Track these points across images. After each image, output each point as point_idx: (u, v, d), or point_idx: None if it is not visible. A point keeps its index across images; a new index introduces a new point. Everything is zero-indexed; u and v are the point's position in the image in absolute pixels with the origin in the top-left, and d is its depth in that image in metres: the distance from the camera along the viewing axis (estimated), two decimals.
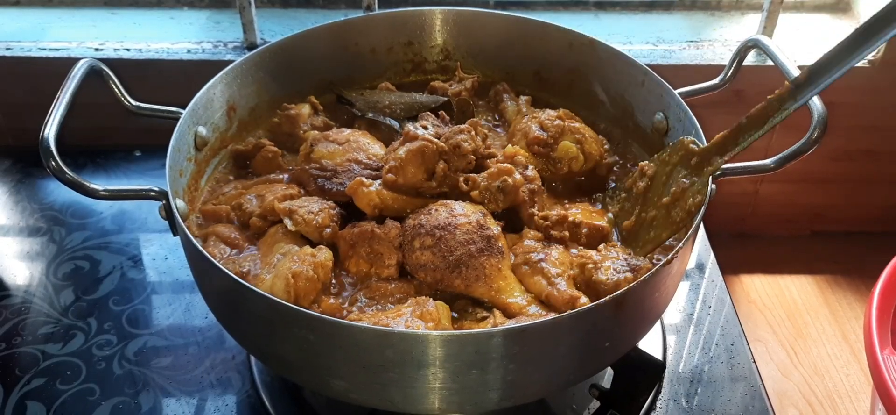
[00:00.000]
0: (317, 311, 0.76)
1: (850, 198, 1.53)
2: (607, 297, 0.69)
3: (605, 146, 0.99)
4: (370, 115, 1.03)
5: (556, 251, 0.82)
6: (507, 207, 0.86)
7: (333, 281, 0.81)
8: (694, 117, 0.88)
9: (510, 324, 0.73)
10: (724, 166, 0.82)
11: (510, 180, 0.85)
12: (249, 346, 0.84)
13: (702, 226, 0.86)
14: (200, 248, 0.74)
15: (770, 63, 1.30)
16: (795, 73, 0.87)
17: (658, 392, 0.96)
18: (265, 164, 0.96)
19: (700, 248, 1.18)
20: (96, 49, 1.33)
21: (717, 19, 1.48)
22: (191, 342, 1.02)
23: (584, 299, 0.75)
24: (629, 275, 0.76)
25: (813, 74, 0.73)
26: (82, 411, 0.93)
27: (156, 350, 1.01)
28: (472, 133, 0.89)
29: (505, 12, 1.11)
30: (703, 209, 0.78)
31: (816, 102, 0.83)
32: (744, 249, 1.53)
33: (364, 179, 0.84)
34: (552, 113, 0.98)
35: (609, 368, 0.95)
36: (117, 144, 1.33)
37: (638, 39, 1.41)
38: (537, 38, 1.08)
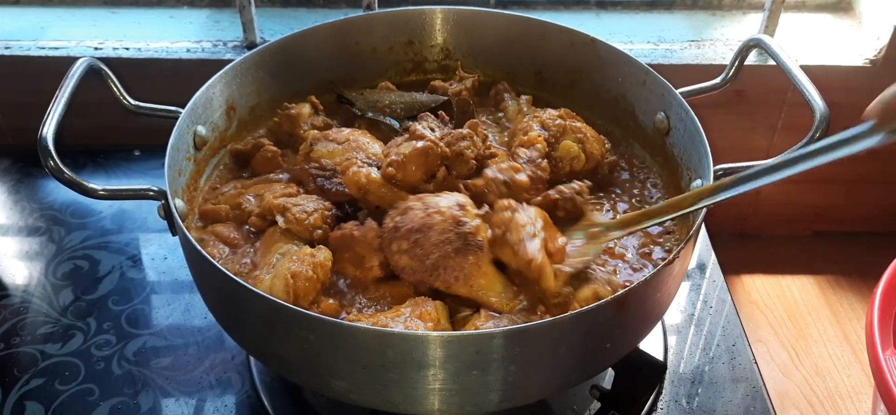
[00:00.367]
0: (316, 311, 0.75)
1: (851, 198, 1.52)
2: (609, 297, 0.68)
3: (607, 146, 0.98)
4: (370, 114, 1.03)
5: (524, 214, 0.78)
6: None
7: (335, 278, 0.81)
8: (695, 117, 0.88)
9: (510, 326, 0.72)
10: (727, 167, 0.82)
11: (518, 177, 0.85)
12: (249, 346, 0.83)
13: (703, 226, 0.86)
14: (199, 248, 0.73)
15: (771, 63, 1.30)
16: (797, 73, 0.87)
17: (659, 393, 0.95)
18: (265, 163, 0.95)
19: (701, 248, 1.17)
20: (96, 48, 1.33)
21: (719, 19, 1.48)
22: (190, 342, 1.02)
23: (541, 261, 0.74)
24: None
25: (740, 181, 0.71)
26: (81, 411, 0.93)
27: (155, 350, 1.01)
28: (474, 138, 0.88)
29: (506, 11, 1.10)
30: (704, 211, 0.77)
31: (819, 103, 0.82)
32: (745, 249, 1.52)
33: (359, 162, 0.84)
34: (553, 112, 0.97)
35: (610, 368, 0.95)
36: (117, 143, 1.33)
37: (639, 39, 1.40)
38: (538, 37, 1.08)
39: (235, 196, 0.90)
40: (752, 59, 1.29)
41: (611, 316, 0.70)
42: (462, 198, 0.80)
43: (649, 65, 0.98)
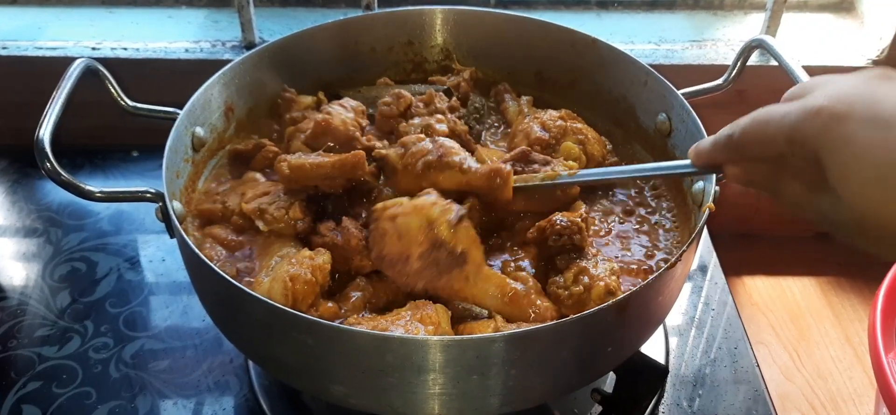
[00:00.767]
0: (315, 314, 0.75)
1: None
2: (611, 301, 0.68)
3: (608, 147, 0.98)
4: (370, 110, 1.02)
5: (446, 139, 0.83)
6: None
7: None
8: (697, 118, 0.87)
9: (512, 329, 0.72)
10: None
11: (438, 127, 0.88)
12: (247, 350, 0.82)
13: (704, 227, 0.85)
14: (197, 251, 0.73)
15: (773, 63, 1.30)
16: (800, 74, 0.86)
17: (660, 396, 0.95)
18: (265, 163, 0.94)
19: (702, 249, 1.17)
20: (93, 48, 1.32)
21: (720, 19, 1.47)
22: (188, 345, 1.01)
23: (497, 163, 0.79)
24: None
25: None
26: None
27: (153, 353, 1.00)
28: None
29: (506, 11, 1.10)
30: (707, 213, 0.77)
31: None
32: (746, 251, 1.52)
33: (283, 156, 0.85)
34: (554, 113, 0.97)
35: (611, 372, 0.94)
36: (115, 143, 1.32)
37: (640, 39, 1.40)
38: (539, 37, 1.07)
39: (224, 195, 0.89)
40: (753, 59, 1.28)
41: (612, 319, 0.69)
42: (433, 211, 0.75)
43: (650, 65, 0.97)
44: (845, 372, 1.31)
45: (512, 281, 0.77)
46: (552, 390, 0.77)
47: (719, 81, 0.98)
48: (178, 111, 0.88)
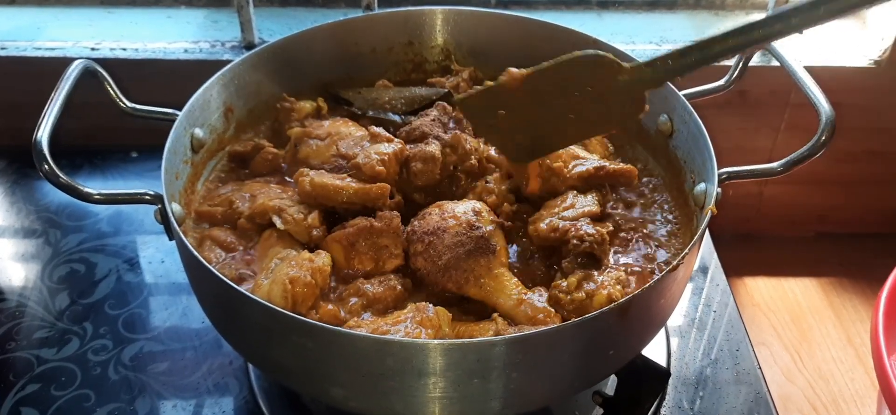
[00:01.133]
0: (314, 317, 0.74)
1: (855, 199, 1.51)
2: (612, 304, 0.67)
3: (609, 148, 0.97)
4: (371, 112, 1.01)
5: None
6: None
7: (333, 284, 0.80)
8: (698, 119, 0.87)
9: (513, 332, 0.71)
10: (730, 170, 0.80)
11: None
12: (247, 353, 0.82)
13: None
14: (196, 254, 0.72)
15: (774, 63, 1.30)
16: (803, 75, 0.86)
17: (662, 397, 0.95)
18: (265, 165, 0.94)
19: (703, 249, 1.16)
20: (92, 48, 1.32)
21: (721, 18, 1.47)
22: (188, 347, 1.01)
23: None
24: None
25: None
26: None
27: (152, 355, 0.99)
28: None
29: (506, 12, 1.09)
30: (709, 215, 0.76)
31: (825, 105, 0.81)
32: (747, 251, 1.51)
33: (305, 171, 0.85)
34: None
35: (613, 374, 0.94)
36: (114, 144, 1.31)
37: (641, 39, 1.39)
38: (540, 38, 1.07)
39: (230, 196, 0.89)
40: (755, 59, 1.28)
41: (614, 323, 0.69)
42: (478, 205, 0.83)
43: None
44: (847, 373, 1.31)
45: (531, 294, 0.77)
46: (553, 393, 0.76)
47: (721, 82, 0.97)
48: (177, 112, 0.88)
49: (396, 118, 1.00)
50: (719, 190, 0.80)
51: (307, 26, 1.04)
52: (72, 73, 0.83)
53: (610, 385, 0.93)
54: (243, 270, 0.81)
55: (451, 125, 0.94)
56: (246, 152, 0.95)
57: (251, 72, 0.99)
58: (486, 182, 0.89)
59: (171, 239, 0.80)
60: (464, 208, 0.81)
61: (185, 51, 1.32)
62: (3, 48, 1.31)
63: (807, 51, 1.37)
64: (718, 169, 0.80)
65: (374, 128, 0.91)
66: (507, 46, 1.09)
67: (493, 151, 0.92)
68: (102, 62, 0.90)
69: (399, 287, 0.79)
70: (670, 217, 0.90)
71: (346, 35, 1.07)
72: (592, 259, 0.79)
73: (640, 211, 0.91)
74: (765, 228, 1.56)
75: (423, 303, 0.75)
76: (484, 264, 0.77)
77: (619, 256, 0.85)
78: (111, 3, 1.44)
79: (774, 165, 0.80)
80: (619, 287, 0.75)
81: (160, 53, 1.31)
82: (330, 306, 0.76)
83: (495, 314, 0.75)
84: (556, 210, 0.84)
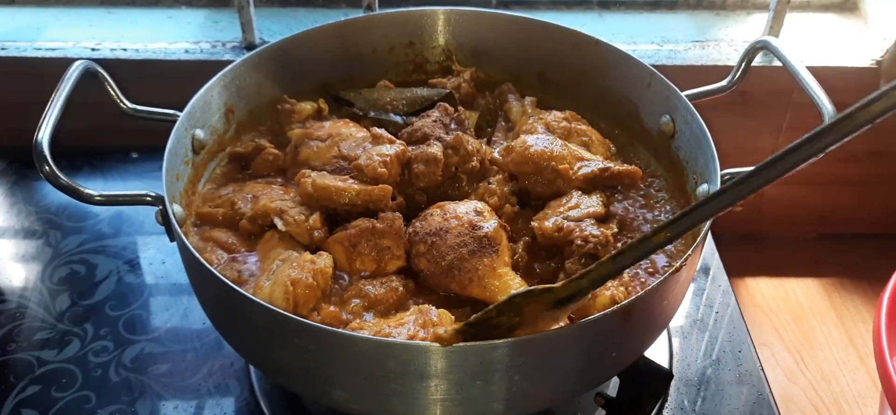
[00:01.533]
0: (316, 319, 0.74)
1: (856, 199, 1.51)
2: (615, 306, 0.67)
3: (612, 150, 0.97)
4: (372, 113, 1.01)
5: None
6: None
7: (335, 286, 0.79)
8: (701, 120, 0.86)
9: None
10: (733, 171, 0.80)
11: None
12: (248, 355, 0.82)
13: None
14: (197, 255, 0.72)
15: (776, 63, 1.30)
16: (805, 75, 0.86)
17: (664, 399, 0.94)
18: (265, 166, 0.94)
19: (705, 250, 1.16)
20: (93, 49, 1.32)
21: (723, 19, 1.47)
22: (188, 348, 1.00)
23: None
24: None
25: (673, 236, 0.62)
26: None
27: (153, 356, 0.99)
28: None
29: (508, 12, 1.09)
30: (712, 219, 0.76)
31: (827, 105, 0.81)
32: (749, 251, 1.51)
33: (307, 172, 0.85)
34: (558, 114, 0.96)
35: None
36: (114, 145, 1.31)
37: (642, 39, 1.39)
38: (541, 38, 1.07)
39: (231, 197, 0.89)
40: (757, 60, 1.27)
41: (617, 325, 0.69)
42: (480, 205, 0.82)
43: (653, 66, 0.96)
44: (849, 374, 1.31)
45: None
46: (556, 395, 0.76)
47: (723, 83, 0.97)
48: (177, 113, 0.87)
49: (398, 119, 1.00)
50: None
51: (308, 27, 1.04)
52: (72, 74, 0.83)
53: (612, 387, 0.93)
54: (245, 272, 0.80)
55: (453, 126, 0.93)
56: (246, 153, 0.95)
57: (252, 72, 0.99)
58: (488, 183, 0.89)
59: (172, 240, 0.79)
60: (465, 209, 0.81)
61: (186, 51, 1.32)
62: (3, 48, 1.31)
63: (809, 51, 1.37)
64: (721, 170, 0.80)
65: (376, 129, 0.90)
66: (509, 47, 1.09)
67: (496, 154, 0.92)
68: (103, 63, 0.90)
69: (401, 289, 0.79)
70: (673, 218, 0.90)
71: (347, 35, 1.07)
72: (594, 259, 0.79)
73: (642, 212, 0.91)
74: (766, 229, 1.55)
75: (426, 306, 0.74)
76: (487, 264, 0.77)
77: None
78: (112, 4, 1.44)
79: None
80: (622, 289, 0.75)
81: (161, 54, 1.31)
82: (331, 308, 0.76)
83: None
84: (562, 209, 0.84)
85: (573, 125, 0.94)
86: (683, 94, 0.91)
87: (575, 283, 0.63)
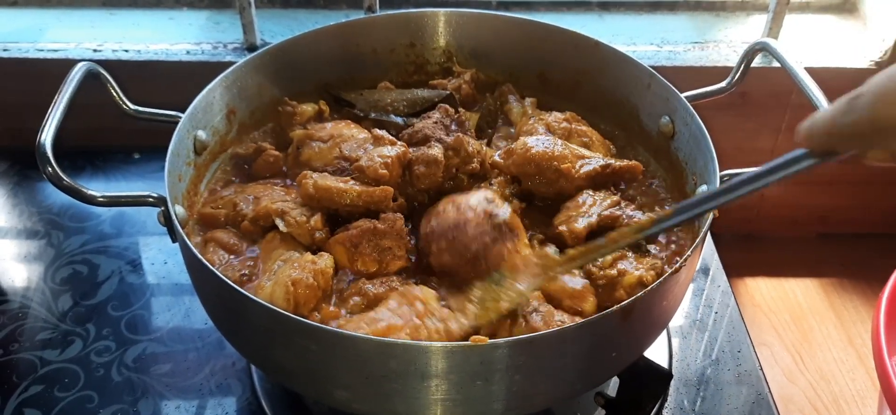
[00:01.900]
0: (316, 319, 0.75)
1: (856, 200, 1.51)
2: (615, 306, 0.67)
3: (612, 150, 0.97)
4: (373, 114, 1.01)
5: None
6: None
7: (338, 284, 0.80)
8: (700, 121, 0.87)
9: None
10: (732, 172, 0.81)
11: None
12: (250, 355, 0.82)
13: None
14: (199, 256, 0.72)
15: (775, 64, 1.30)
16: (804, 77, 0.86)
17: (664, 399, 0.95)
18: (266, 167, 0.94)
19: (705, 250, 1.16)
20: (94, 50, 1.32)
21: (723, 20, 1.47)
22: (190, 348, 1.01)
23: None
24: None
25: (678, 211, 0.70)
26: None
27: (155, 356, 1.00)
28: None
29: (508, 14, 1.09)
30: (711, 218, 0.76)
31: (826, 105, 0.81)
32: (749, 252, 1.52)
33: (309, 173, 0.85)
34: (559, 115, 0.96)
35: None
36: (116, 145, 1.32)
37: (642, 40, 1.39)
38: (541, 39, 1.07)
39: (233, 198, 0.89)
40: (756, 61, 1.28)
41: (617, 325, 0.69)
42: (489, 193, 0.83)
43: (653, 67, 0.97)
44: (848, 374, 1.31)
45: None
46: (556, 395, 0.76)
47: (722, 85, 0.97)
48: (179, 115, 0.88)
49: (399, 120, 1.00)
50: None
51: (309, 28, 1.04)
52: (75, 75, 0.83)
53: (612, 386, 0.93)
54: (247, 272, 0.81)
55: (454, 128, 0.94)
56: (248, 155, 0.96)
57: (253, 74, 0.99)
58: (490, 184, 0.89)
59: (174, 241, 0.80)
60: (477, 200, 0.81)
61: (188, 52, 1.32)
62: (5, 50, 1.31)
63: (808, 52, 1.37)
64: (720, 171, 0.81)
65: (377, 131, 0.91)
66: (509, 48, 1.09)
67: (497, 156, 0.92)
68: (105, 64, 0.90)
69: (400, 288, 0.79)
70: None
71: (348, 37, 1.07)
72: (636, 246, 0.81)
73: (642, 212, 0.91)
74: (766, 229, 1.56)
75: (405, 287, 0.76)
76: (511, 249, 0.78)
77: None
78: (113, 5, 1.45)
79: None
80: (652, 273, 0.76)
81: (162, 55, 1.31)
82: (331, 308, 0.77)
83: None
84: (584, 209, 0.85)
85: (573, 126, 0.94)
86: (683, 95, 0.92)
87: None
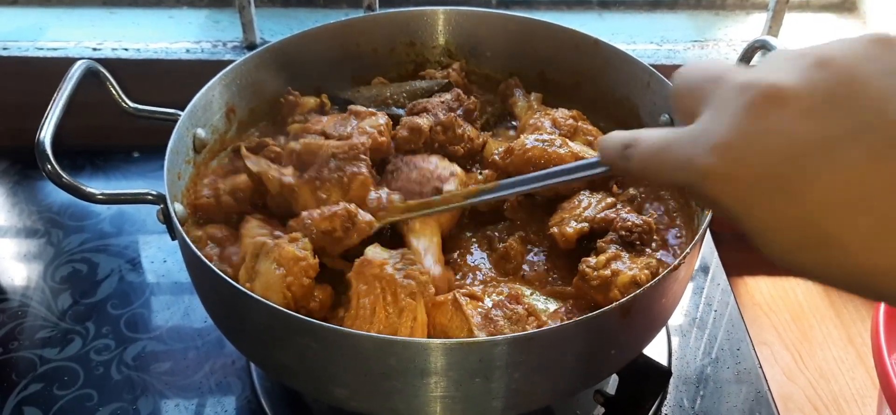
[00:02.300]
0: (315, 302, 0.75)
1: None
2: (614, 303, 0.67)
3: None
4: (374, 109, 1.01)
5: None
6: None
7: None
8: None
9: (515, 333, 0.71)
10: None
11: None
12: (249, 353, 0.82)
13: None
14: (199, 254, 0.72)
15: None
16: None
17: (663, 397, 0.95)
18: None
19: (704, 249, 1.16)
20: (94, 49, 1.32)
21: (722, 19, 1.47)
22: (190, 346, 1.01)
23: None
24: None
25: (499, 187, 0.77)
26: None
27: (155, 355, 1.00)
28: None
29: (508, 12, 1.09)
30: (710, 215, 0.76)
31: None
32: (748, 250, 1.48)
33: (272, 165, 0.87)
34: (566, 112, 0.96)
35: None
36: (116, 144, 1.32)
37: (642, 39, 1.39)
38: (541, 38, 1.07)
39: (216, 184, 0.89)
40: (755, 59, 1.28)
41: (616, 322, 0.69)
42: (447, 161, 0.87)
43: (652, 66, 0.97)
44: (848, 373, 1.31)
45: None
46: (555, 392, 0.76)
47: None
48: (179, 113, 0.88)
49: (401, 112, 1.00)
50: None
51: (309, 27, 1.04)
52: (74, 73, 0.83)
53: (611, 384, 0.93)
54: (235, 263, 0.80)
55: (459, 112, 0.95)
56: (250, 149, 0.95)
57: (253, 72, 0.99)
58: (479, 174, 0.90)
59: (173, 239, 0.80)
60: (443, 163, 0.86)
61: (187, 51, 1.32)
62: (5, 48, 1.31)
63: None
64: None
65: (355, 106, 0.93)
66: (509, 46, 1.09)
67: (496, 156, 0.92)
68: (104, 62, 0.90)
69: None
70: (672, 216, 0.90)
71: (348, 36, 1.07)
72: (631, 246, 0.80)
73: (636, 215, 0.91)
74: None
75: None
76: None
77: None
78: (113, 4, 1.45)
79: None
80: (646, 272, 0.75)
81: (162, 53, 1.31)
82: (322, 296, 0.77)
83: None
84: (578, 211, 0.84)
85: (580, 124, 0.94)
86: None
87: None
